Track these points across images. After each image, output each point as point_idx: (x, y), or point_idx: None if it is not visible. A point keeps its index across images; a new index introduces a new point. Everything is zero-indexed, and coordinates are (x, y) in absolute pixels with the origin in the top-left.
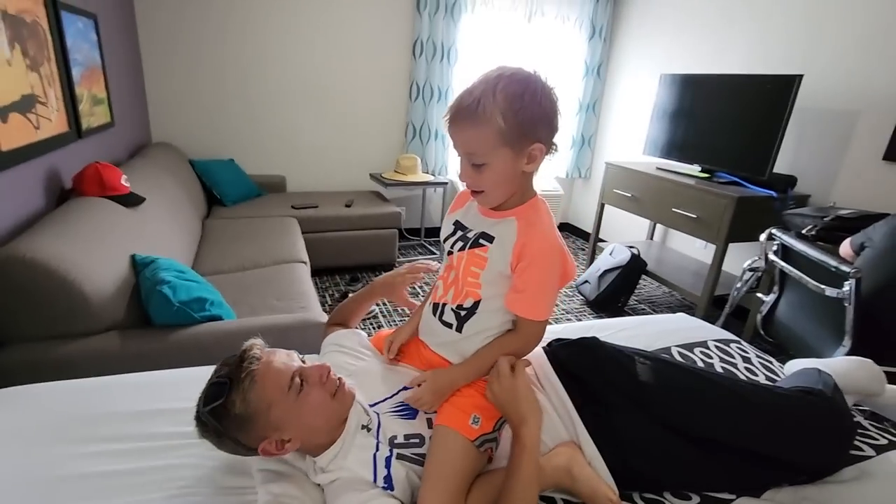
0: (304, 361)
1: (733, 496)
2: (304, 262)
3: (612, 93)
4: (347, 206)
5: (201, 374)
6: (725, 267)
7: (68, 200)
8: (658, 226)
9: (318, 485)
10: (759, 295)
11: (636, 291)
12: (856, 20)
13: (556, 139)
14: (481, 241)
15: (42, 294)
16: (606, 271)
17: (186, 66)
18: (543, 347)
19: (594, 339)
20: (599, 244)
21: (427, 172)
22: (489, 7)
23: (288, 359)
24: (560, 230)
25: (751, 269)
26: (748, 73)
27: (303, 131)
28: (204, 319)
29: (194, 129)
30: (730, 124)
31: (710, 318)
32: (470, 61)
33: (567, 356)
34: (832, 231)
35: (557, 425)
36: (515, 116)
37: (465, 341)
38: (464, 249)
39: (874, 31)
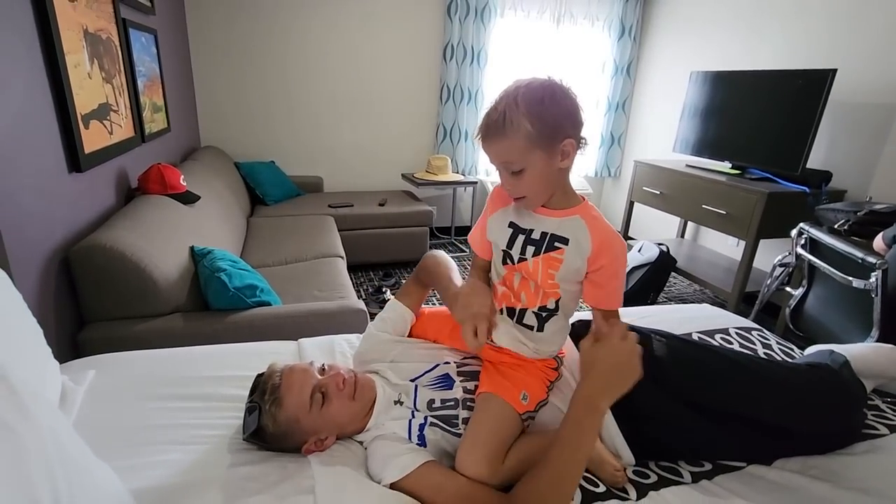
0: (324, 368)
1: (744, 464)
2: (342, 257)
3: (642, 91)
4: (381, 205)
5: (257, 348)
6: (758, 264)
7: (135, 198)
8: (690, 223)
9: (361, 443)
10: (788, 289)
11: (666, 289)
12: (890, 13)
13: (583, 133)
14: (556, 243)
15: (119, 279)
16: (635, 268)
17: (232, 76)
18: None
19: None
20: (629, 242)
21: (457, 172)
22: (518, 11)
23: (305, 376)
24: None
25: (781, 265)
26: (780, 68)
27: (339, 134)
28: (255, 304)
29: (239, 133)
30: (762, 120)
31: (741, 314)
32: (500, 63)
33: (586, 334)
34: (866, 225)
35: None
36: (541, 119)
37: (545, 337)
38: (538, 254)
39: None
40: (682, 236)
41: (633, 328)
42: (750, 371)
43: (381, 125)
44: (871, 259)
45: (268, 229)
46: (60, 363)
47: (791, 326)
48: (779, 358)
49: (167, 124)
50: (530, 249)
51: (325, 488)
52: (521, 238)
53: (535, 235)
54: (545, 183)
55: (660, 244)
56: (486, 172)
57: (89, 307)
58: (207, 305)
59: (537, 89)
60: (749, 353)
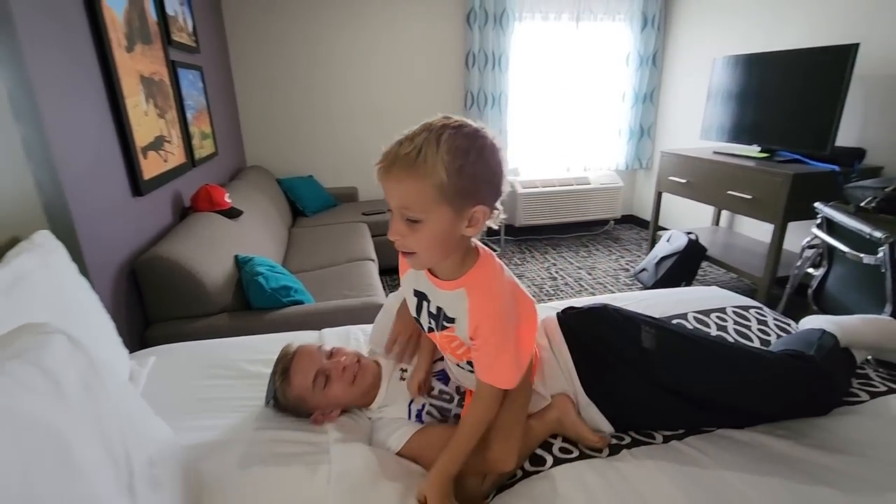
0: (330, 352)
1: (716, 427)
2: (373, 261)
3: (669, 80)
4: None
5: (285, 337)
6: (793, 247)
7: (188, 216)
8: (724, 211)
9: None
10: (810, 270)
11: (700, 278)
12: None
13: (499, 203)
14: (445, 323)
15: (176, 284)
16: (663, 258)
17: (271, 101)
18: (557, 314)
19: (603, 307)
20: (659, 232)
21: None
22: (536, 14)
23: (311, 361)
24: (623, 223)
25: (810, 247)
26: (807, 47)
27: (370, 146)
28: (290, 303)
29: (280, 152)
30: (788, 101)
31: (774, 298)
32: (522, 66)
33: (576, 323)
34: (894, 202)
35: (560, 381)
36: (459, 173)
37: None
38: (438, 329)
39: None
40: (717, 224)
41: (624, 316)
42: (731, 363)
43: None
44: (878, 234)
45: (307, 238)
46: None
47: (815, 307)
48: (773, 334)
49: (215, 149)
50: (433, 322)
51: (337, 449)
52: (425, 307)
53: (433, 308)
54: (442, 245)
55: (689, 233)
56: (515, 172)
57: (153, 309)
58: (249, 305)
59: (466, 137)
60: (736, 343)
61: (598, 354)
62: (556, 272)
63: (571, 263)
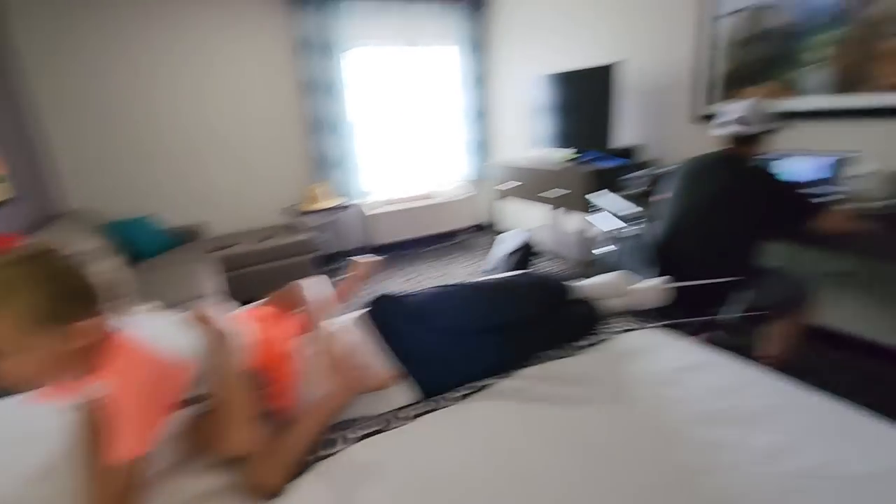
0: None
1: (494, 381)
2: (215, 296)
3: (499, 98)
4: (263, 241)
5: None
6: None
7: None
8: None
9: None
10: (594, 251)
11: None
12: (659, 16)
13: (103, 304)
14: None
15: None
16: (509, 255)
17: (96, 139)
18: (368, 311)
19: (381, 294)
20: (502, 234)
21: (337, 197)
22: (370, 41)
23: None
24: (478, 230)
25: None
26: (601, 64)
27: (215, 179)
28: None
29: (112, 190)
30: (582, 111)
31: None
32: (362, 91)
33: (374, 313)
34: (653, 186)
35: (374, 361)
36: (37, 305)
37: None
38: None
39: (662, 23)
40: (555, 220)
41: (394, 293)
42: (473, 289)
43: (255, 164)
44: (623, 213)
45: (147, 283)
46: None
47: None
48: None
49: (12, 193)
50: None
51: None
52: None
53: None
54: (55, 366)
55: (527, 231)
56: (365, 195)
57: None
58: None
59: (36, 266)
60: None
61: (392, 327)
62: (417, 282)
63: (431, 271)
